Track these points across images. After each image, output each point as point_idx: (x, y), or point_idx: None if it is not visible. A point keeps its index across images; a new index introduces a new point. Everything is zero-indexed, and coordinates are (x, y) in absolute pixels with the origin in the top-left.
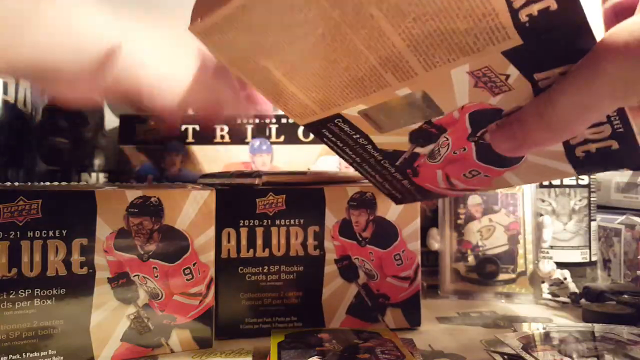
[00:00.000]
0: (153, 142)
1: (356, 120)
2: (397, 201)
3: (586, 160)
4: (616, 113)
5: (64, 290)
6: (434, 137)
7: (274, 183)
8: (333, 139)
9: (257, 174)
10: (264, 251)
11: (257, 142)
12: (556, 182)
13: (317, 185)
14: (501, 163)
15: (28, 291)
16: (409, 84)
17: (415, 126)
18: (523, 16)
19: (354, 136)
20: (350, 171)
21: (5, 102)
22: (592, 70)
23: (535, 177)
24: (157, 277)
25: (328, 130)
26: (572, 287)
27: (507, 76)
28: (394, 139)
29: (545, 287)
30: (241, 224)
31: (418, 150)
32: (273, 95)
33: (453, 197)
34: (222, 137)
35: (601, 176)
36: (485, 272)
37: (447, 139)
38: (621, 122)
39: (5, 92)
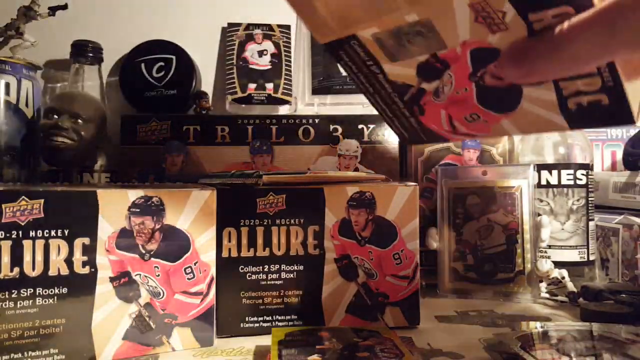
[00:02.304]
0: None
1: (370, 45)
2: (406, 141)
3: (578, 114)
4: (607, 67)
5: (66, 289)
6: (439, 72)
7: (274, 183)
8: (349, 63)
9: (258, 174)
10: (264, 250)
11: (257, 143)
12: (554, 182)
13: (317, 185)
14: (499, 108)
15: (30, 290)
16: (416, 9)
17: (423, 58)
18: None
19: (367, 62)
20: (350, 171)
21: (8, 103)
22: (614, 16)
23: (532, 128)
24: (158, 276)
25: (345, 52)
26: (570, 286)
27: (504, 13)
28: (403, 71)
29: (543, 286)
30: (242, 224)
31: (424, 85)
32: (299, 5)
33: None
34: (223, 137)
35: (599, 176)
36: (484, 271)
37: (451, 77)
38: (611, 76)
39: (7, 92)
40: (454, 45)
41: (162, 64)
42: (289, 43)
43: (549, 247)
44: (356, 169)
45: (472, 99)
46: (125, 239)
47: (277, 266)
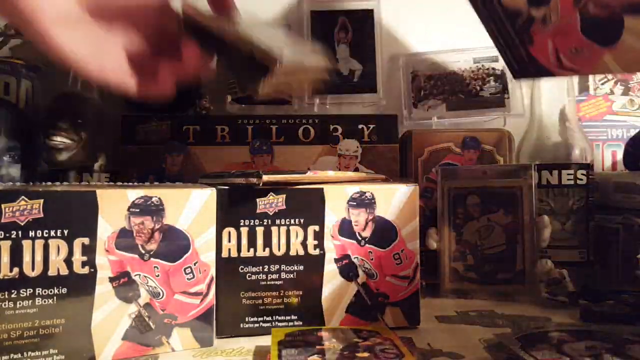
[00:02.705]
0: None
1: None
2: (515, 73)
3: None
4: None
5: (66, 289)
6: None
7: (274, 183)
8: None
9: (258, 174)
10: (264, 250)
11: (257, 143)
12: (554, 182)
13: (317, 185)
14: (601, 40)
15: (29, 291)
16: None
17: None
18: None
19: None
20: (350, 171)
21: (7, 103)
22: None
23: (634, 65)
24: (158, 276)
25: None
26: (571, 286)
27: None
28: None
29: (543, 286)
30: (241, 224)
31: (533, 12)
32: None
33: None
34: (223, 137)
35: (599, 176)
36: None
37: (557, 3)
38: None
39: (7, 92)
40: None
41: None
42: None
43: (550, 247)
44: (356, 169)
45: (577, 30)
46: (124, 239)
47: (277, 266)
